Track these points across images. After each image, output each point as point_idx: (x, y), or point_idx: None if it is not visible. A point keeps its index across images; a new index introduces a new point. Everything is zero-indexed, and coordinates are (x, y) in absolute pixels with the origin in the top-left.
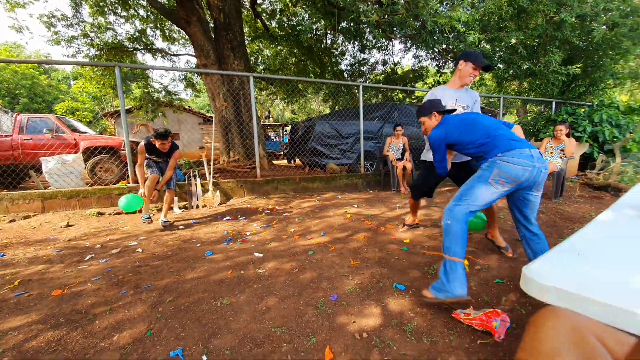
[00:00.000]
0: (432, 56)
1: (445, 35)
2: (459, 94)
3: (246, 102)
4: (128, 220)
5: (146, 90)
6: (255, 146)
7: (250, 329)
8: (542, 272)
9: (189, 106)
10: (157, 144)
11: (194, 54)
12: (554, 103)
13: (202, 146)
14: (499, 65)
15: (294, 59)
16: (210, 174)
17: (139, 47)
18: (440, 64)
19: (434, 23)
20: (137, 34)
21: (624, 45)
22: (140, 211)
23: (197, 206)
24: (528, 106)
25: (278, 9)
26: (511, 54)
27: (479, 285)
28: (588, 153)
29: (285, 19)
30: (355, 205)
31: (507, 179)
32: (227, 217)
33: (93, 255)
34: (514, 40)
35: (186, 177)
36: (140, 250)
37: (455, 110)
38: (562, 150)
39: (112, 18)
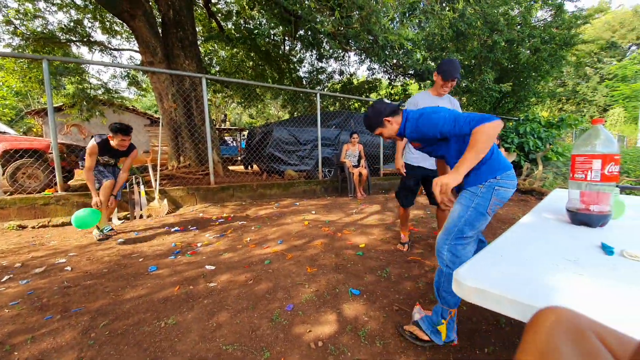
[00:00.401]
0: (385, 69)
1: (396, 51)
2: (438, 101)
3: (199, 104)
4: (56, 234)
5: (81, 87)
6: (209, 151)
7: (198, 349)
8: (467, 275)
9: (133, 106)
10: (116, 141)
11: (138, 49)
12: None
13: (147, 150)
14: None
15: (251, 63)
16: (156, 180)
17: (74, 39)
18: (392, 77)
19: (385, 39)
20: (72, 24)
21: (544, 68)
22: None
23: (141, 216)
24: None
25: (234, 11)
26: (460, 81)
27: (427, 285)
28: (516, 161)
29: (242, 21)
30: (313, 212)
31: (500, 204)
32: (176, 228)
33: (11, 275)
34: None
35: (127, 184)
36: (69, 268)
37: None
38: None
39: (42, 5)
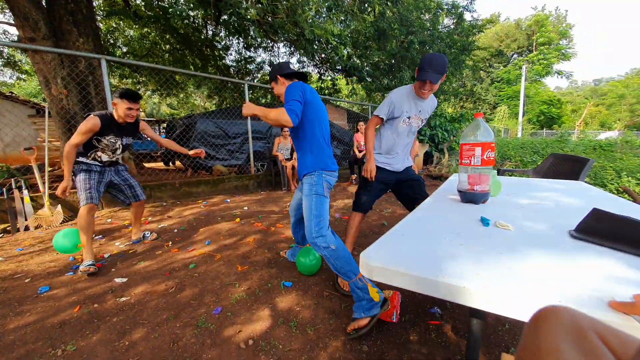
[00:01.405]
0: (315, 64)
1: (323, 45)
2: (416, 102)
3: (98, 90)
4: None
5: None
6: None
7: None
8: (370, 255)
9: (11, 92)
10: (121, 110)
11: (14, 23)
12: None
13: (30, 147)
14: (367, 78)
15: (167, 46)
16: (45, 183)
17: None
18: (322, 72)
19: (312, 32)
20: None
21: (449, 70)
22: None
23: (26, 228)
24: None
25: None
26: (374, 70)
27: None
28: (428, 151)
29: None
30: (246, 208)
31: (330, 187)
32: None
33: None
34: (376, 59)
35: (5, 189)
36: None
37: (302, 74)
38: None
39: None
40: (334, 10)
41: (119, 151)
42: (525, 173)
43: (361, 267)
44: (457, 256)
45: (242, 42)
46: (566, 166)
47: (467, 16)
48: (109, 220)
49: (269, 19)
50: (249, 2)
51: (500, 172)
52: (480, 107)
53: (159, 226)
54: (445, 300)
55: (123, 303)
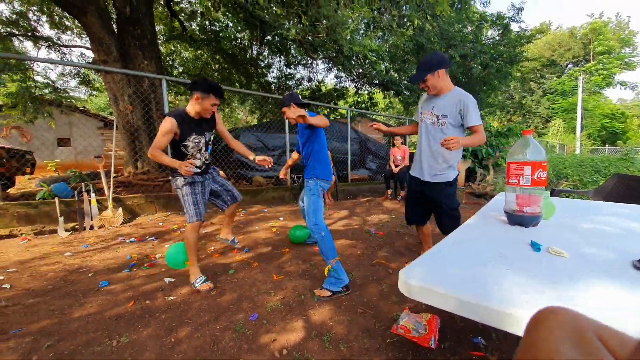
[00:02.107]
0: (352, 78)
1: (360, 61)
2: (435, 100)
3: (159, 107)
4: None
5: (25, 85)
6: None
7: None
8: (410, 274)
9: (84, 107)
10: (206, 104)
11: (90, 47)
12: None
13: (99, 155)
14: (404, 91)
15: (217, 65)
16: (110, 188)
17: (17, 33)
18: (359, 86)
19: (350, 49)
20: (14, 16)
21: (493, 82)
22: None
23: (92, 227)
24: None
25: (198, 12)
26: (413, 84)
27: (390, 287)
28: (471, 167)
29: (207, 23)
30: (282, 218)
31: (325, 189)
32: (132, 239)
33: None
34: (415, 72)
35: (76, 192)
36: (7, 286)
37: (307, 105)
38: None
39: None
40: (372, 27)
41: (204, 149)
42: (584, 194)
43: (400, 285)
44: (503, 281)
45: (283, 60)
46: (633, 188)
47: (514, 27)
48: (161, 223)
49: (310, 38)
50: (291, 23)
51: (554, 193)
52: (530, 121)
53: (203, 232)
54: (489, 328)
55: (170, 302)
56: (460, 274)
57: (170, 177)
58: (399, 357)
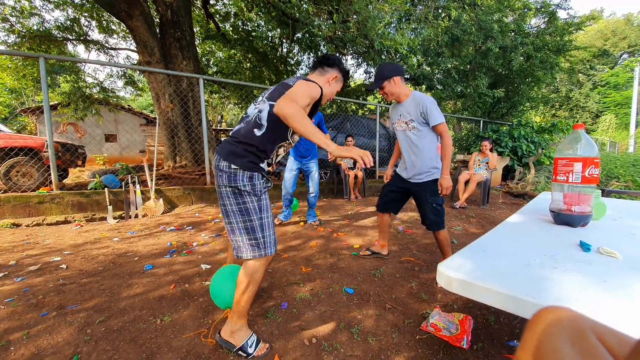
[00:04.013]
0: None
1: (391, 56)
2: (397, 107)
3: (195, 104)
4: (50, 232)
5: (76, 85)
6: (205, 151)
7: (194, 344)
8: (451, 266)
9: (129, 105)
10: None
11: (135, 49)
12: (481, 122)
13: (143, 150)
14: (437, 86)
15: (248, 64)
16: (152, 180)
17: (70, 37)
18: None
19: (381, 44)
20: (68, 22)
21: (536, 74)
22: None
23: (136, 216)
24: (462, 123)
25: (232, 12)
26: (446, 77)
27: (419, 285)
28: (509, 165)
29: (240, 23)
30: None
31: None
32: (172, 228)
33: (6, 273)
34: (449, 65)
35: (123, 183)
36: (64, 266)
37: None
38: (487, 163)
39: (38, 2)
40: (404, 20)
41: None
42: (638, 195)
43: (439, 277)
44: (550, 279)
45: (313, 57)
46: None
47: (562, 14)
48: (197, 214)
49: (339, 33)
50: (322, 19)
51: (604, 193)
52: (578, 116)
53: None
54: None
55: (207, 286)
56: (504, 269)
57: (233, 168)
58: (429, 354)
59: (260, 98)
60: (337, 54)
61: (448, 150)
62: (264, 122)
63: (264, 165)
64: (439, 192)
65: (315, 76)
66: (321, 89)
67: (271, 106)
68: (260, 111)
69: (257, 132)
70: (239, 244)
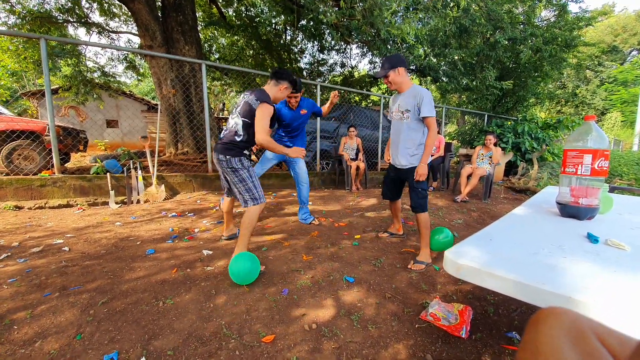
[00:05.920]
0: None
1: (397, 45)
2: (398, 97)
3: (198, 91)
4: (52, 215)
5: (77, 69)
6: (207, 139)
7: (195, 327)
8: (458, 253)
9: (130, 91)
10: (285, 95)
11: (137, 32)
12: (486, 116)
13: (145, 135)
14: (442, 78)
15: (251, 51)
16: (154, 166)
17: (71, 20)
18: None
19: (387, 33)
20: (69, 4)
21: (544, 68)
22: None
23: (138, 201)
24: (466, 117)
25: None
26: (452, 69)
27: (419, 275)
28: (512, 161)
29: (243, 8)
30: (310, 203)
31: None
32: (174, 214)
33: (9, 254)
34: (456, 57)
35: (125, 168)
36: (67, 249)
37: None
38: (490, 157)
39: None
40: (411, 9)
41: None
42: None
43: (446, 264)
44: (559, 268)
45: (317, 45)
46: None
47: (573, 7)
48: (199, 201)
49: (345, 21)
50: (328, 6)
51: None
52: (583, 113)
53: (237, 211)
54: (525, 324)
55: (209, 272)
56: (512, 257)
57: (228, 157)
58: (428, 342)
59: (234, 112)
60: (342, 43)
61: (430, 141)
62: (241, 132)
63: (247, 152)
64: (415, 177)
65: (271, 86)
66: (273, 105)
67: (244, 122)
68: (237, 124)
69: (237, 138)
70: (244, 198)
